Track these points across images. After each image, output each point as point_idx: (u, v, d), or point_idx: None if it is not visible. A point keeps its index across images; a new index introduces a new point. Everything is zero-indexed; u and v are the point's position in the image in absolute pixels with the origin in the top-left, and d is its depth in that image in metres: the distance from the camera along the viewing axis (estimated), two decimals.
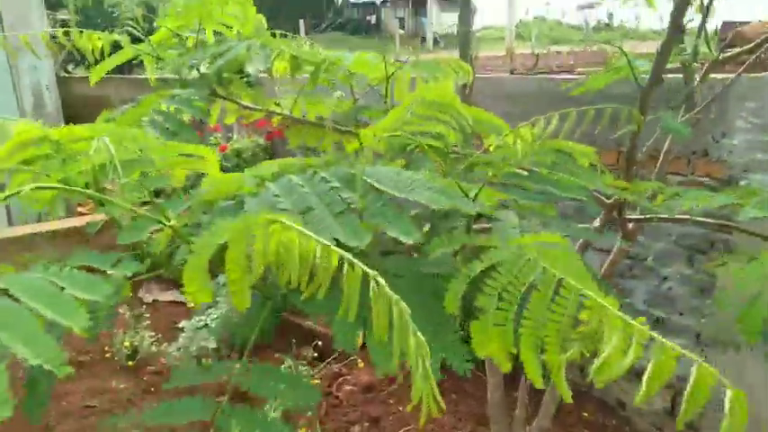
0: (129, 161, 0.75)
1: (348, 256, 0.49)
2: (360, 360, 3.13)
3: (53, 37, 1.54)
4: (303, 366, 2.95)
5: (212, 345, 3.45)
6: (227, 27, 1.50)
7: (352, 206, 0.75)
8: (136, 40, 1.56)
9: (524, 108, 2.68)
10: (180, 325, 3.49)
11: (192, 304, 0.55)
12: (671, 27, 1.06)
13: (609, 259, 1.76)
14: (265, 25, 1.51)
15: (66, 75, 7.81)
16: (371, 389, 2.91)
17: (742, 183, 1.99)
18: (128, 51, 1.46)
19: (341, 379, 3.03)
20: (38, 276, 0.61)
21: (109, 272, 0.69)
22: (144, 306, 3.70)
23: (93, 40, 1.35)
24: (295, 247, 0.50)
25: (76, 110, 5.49)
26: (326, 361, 3.14)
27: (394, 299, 0.46)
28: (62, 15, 10.43)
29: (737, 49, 1.43)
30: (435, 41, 22.56)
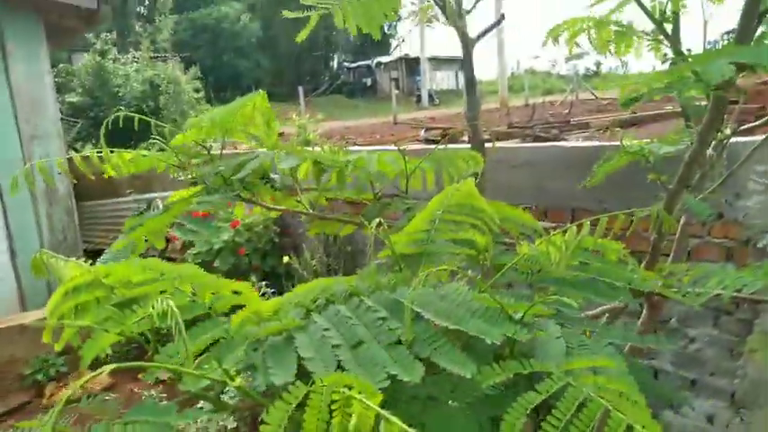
0: (184, 306, 0.76)
1: None
2: None
3: (70, 159, 1.61)
4: None
5: (231, 424, 3.37)
6: (249, 135, 1.56)
7: (402, 337, 0.75)
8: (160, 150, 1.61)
9: (536, 176, 2.73)
10: (199, 406, 3.41)
11: None
12: (698, 142, 1.09)
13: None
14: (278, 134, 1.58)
15: (75, 152, 8.00)
16: None
17: (760, 244, 2.00)
18: (153, 159, 1.51)
19: None
20: None
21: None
22: (161, 385, 3.65)
23: (122, 157, 1.40)
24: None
25: (83, 187, 5.62)
26: None
27: None
28: (70, 98, 10.81)
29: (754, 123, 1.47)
30: (431, 98, 23.21)
